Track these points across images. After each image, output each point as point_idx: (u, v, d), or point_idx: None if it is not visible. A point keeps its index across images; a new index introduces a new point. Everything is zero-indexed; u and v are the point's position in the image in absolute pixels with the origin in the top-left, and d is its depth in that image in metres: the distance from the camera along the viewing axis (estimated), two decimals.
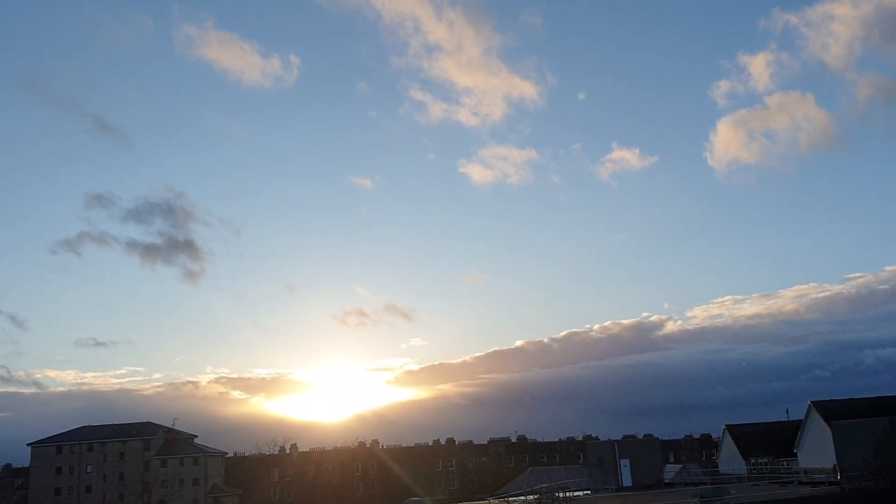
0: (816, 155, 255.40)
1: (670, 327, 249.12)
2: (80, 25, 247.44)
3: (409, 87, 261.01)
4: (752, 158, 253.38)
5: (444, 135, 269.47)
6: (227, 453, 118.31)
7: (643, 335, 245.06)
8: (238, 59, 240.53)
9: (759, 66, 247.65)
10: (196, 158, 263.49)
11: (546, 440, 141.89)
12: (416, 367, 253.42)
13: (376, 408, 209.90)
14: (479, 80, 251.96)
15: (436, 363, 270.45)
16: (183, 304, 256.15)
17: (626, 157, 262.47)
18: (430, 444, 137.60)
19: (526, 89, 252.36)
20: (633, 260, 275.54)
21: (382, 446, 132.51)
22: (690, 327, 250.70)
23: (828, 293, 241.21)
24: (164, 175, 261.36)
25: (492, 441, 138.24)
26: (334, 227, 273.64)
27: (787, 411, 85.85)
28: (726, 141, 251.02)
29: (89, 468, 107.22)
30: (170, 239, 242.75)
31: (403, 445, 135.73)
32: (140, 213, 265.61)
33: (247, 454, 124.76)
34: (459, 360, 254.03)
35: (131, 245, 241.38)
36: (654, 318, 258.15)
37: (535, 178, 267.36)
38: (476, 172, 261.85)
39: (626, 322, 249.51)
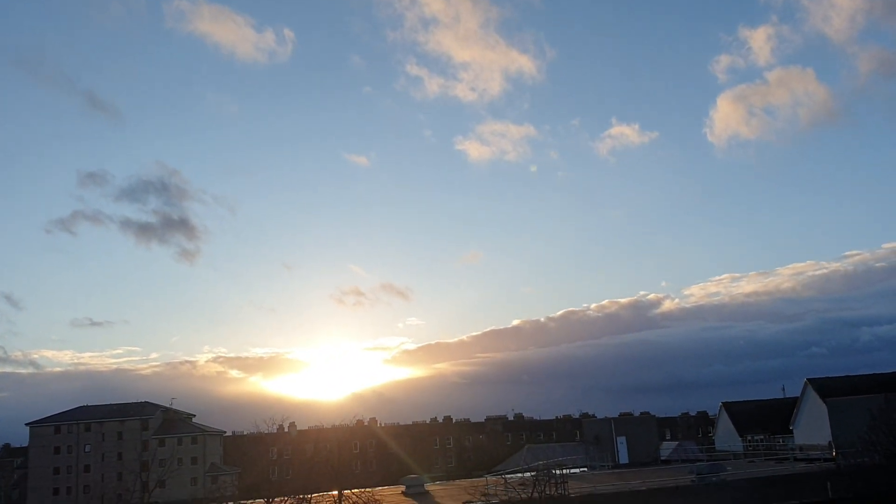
0: (816, 130, 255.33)
1: (668, 305, 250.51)
2: (71, 1, 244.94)
3: (405, 61, 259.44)
4: (752, 134, 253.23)
5: (440, 111, 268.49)
6: (225, 432, 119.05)
7: (640, 313, 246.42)
8: (231, 32, 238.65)
9: (759, 39, 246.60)
10: (189, 135, 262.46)
11: (543, 418, 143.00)
12: (413, 347, 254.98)
13: (374, 386, 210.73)
14: (477, 54, 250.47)
15: (433, 342, 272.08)
16: (179, 283, 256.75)
17: (625, 132, 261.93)
18: (428, 422, 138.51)
19: (524, 63, 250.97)
20: (631, 238, 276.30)
21: (380, 424, 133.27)
22: (688, 305, 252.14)
23: (825, 271, 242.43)
24: (157, 152, 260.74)
25: (489, 419, 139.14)
26: (330, 205, 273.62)
27: (784, 388, 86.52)
28: (726, 116, 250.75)
29: (87, 448, 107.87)
30: (164, 217, 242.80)
31: (401, 424, 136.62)
32: (134, 192, 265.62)
33: (245, 433, 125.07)
34: (456, 339, 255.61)
35: (126, 224, 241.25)
36: (651, 296, 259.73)
37: (533, 154, 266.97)
38: (473, 149, 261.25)
39: (623, 300, 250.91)
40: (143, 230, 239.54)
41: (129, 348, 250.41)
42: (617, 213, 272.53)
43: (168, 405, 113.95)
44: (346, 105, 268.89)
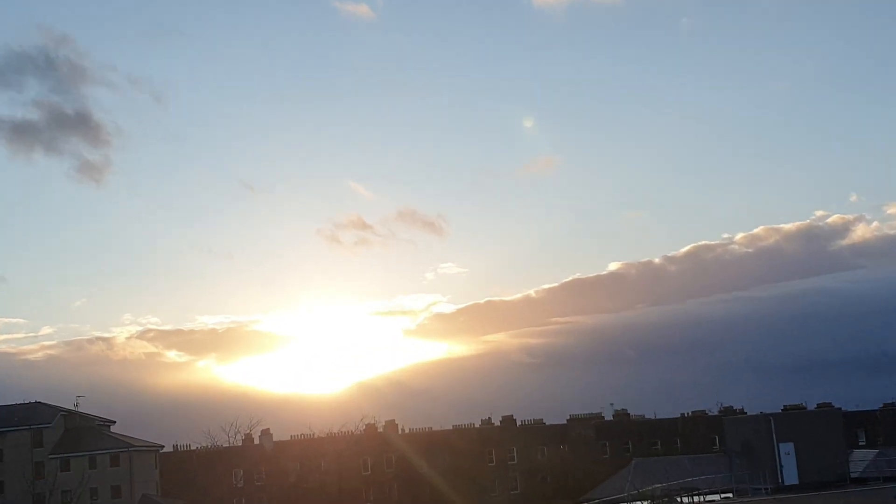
0: None
1: (860, 232, 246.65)
2: None
3: None
4: None
5: None
6: (162, 447, 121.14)
7: (816, 246, 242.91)
8: None
9: None
10: None
11: (660, 416, 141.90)
12: (450, 309, 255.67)
13: (390, 372, 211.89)
14: None
15: (481, 301, 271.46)
16: (81, 214, 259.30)
17: None
18: (477, 425, 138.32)
19: None
20: (801, 124, 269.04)
21: (403, 431, 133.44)
22: (893, 231, 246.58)
23: None
24: (37, 11, 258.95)
25: (573, 420, 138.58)
26: (315, 86, 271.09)
27: None
28: None
29: None
30: (52, 111, 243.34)
31: (434, 429, 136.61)
32: (3, 73, 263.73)
33: (194, 447, 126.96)
34: (518, 295, 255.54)
35: None
36: (833, 218, 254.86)
37: None
38: None
39: (787, 227, 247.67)
40: (20, 132, 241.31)
41: (9, 320, 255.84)
42: (779, 83, 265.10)
43: (72, 407, 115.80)
44: None
